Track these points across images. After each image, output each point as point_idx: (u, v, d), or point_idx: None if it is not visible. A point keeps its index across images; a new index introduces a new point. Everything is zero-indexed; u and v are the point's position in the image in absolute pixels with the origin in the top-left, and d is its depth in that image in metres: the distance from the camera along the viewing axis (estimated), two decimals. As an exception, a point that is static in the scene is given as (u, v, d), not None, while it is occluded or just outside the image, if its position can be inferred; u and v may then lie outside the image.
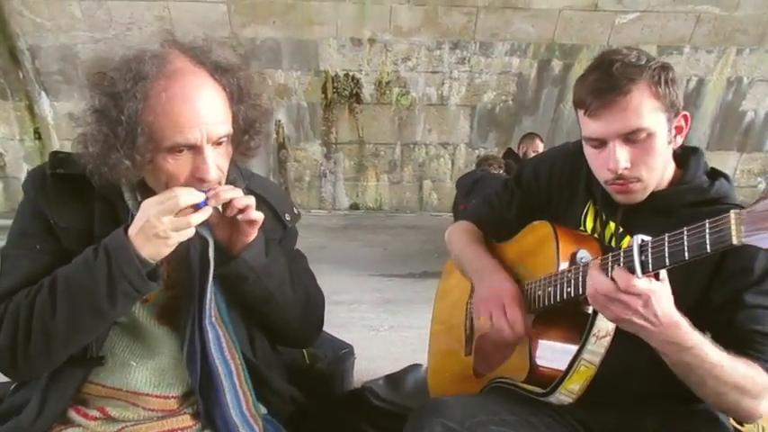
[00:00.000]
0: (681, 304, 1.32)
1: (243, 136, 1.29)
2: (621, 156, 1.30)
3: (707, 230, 1.00)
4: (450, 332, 1.87)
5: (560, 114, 7.92)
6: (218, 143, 1.21)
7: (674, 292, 1.31)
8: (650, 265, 1.07)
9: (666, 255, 1.05)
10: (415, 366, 2.51)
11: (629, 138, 1.30)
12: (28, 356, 1.18)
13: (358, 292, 4.59)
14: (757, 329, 1.26)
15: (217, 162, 1.20)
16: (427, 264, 5.46)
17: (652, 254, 1.07)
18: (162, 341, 1.35)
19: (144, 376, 1.33)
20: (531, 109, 7.86)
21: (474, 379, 1.65)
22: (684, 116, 1.37)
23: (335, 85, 7.46)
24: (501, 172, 5.68)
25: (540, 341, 1.40)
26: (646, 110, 1.28)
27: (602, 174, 1.38)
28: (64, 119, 7.31)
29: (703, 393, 1.24)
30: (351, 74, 7.43)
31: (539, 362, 1.38)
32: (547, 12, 7.03)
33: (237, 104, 1.25)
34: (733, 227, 0.95)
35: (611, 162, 1.32)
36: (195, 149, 1.17)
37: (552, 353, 1.38)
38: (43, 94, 7.18)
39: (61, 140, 7.43)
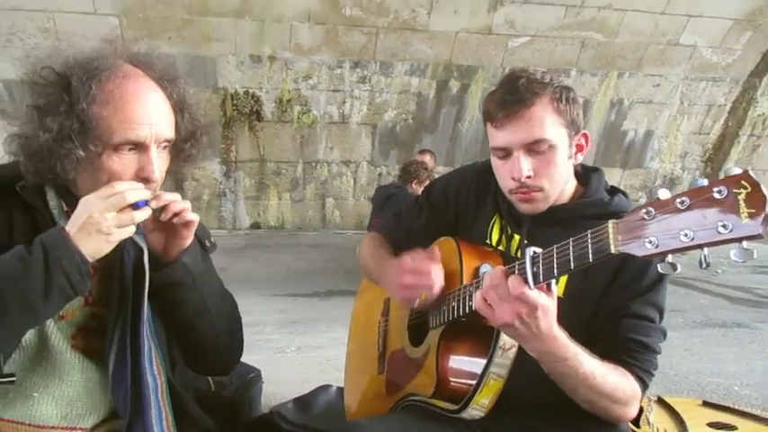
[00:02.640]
0: (579, 315, 1.39)
1: (184, 144, 1.31)
2: (525, 165, 1.36)
3: (589, 240, 1.05)
4: (365, 351, 1.85)
5: (458, 132, 8.17)
6: (162, 147, 1.22)
7: (571, 303, 1.37)
8: (541, 276, 1.11)
9: (555, 265, 1.10)
10: (324, 387, 2.47)
11: (532, 148, 1.36)
12: None
13: (262, 313, 4.47)
14: (637, 339, 1.33)
15: (159, 165, 1.21)
16: (332, 282, 5.43)
17: (543, 265, 1.11)
18: (72, 366, 1.25)
19: (50, 407, 1.23)
20: (431, 127, 8.06)
21: (386, 397, 1.64)
22: (585, 135, 1.45)
23: (235, 102, 7.32)
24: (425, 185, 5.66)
25: (447, 356, 1.41)
26: (548, 123, 1.35)
27: (506, 183, 1.43)
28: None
29: (577, 400, 1.30)
30: (251, 91, 7.33)
31: (447, 376, 1.39)
32: (444, 34, 7.26)
33: (180, 114, 1.27)
34: (611, 236, 1.00)
35: (514, 171, 1.38)
36: (142, 148, 1.18)
37: (460, 367, 1.39)
38: None
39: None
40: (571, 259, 1.07)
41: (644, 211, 0.96)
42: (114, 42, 1.26)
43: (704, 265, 0.92)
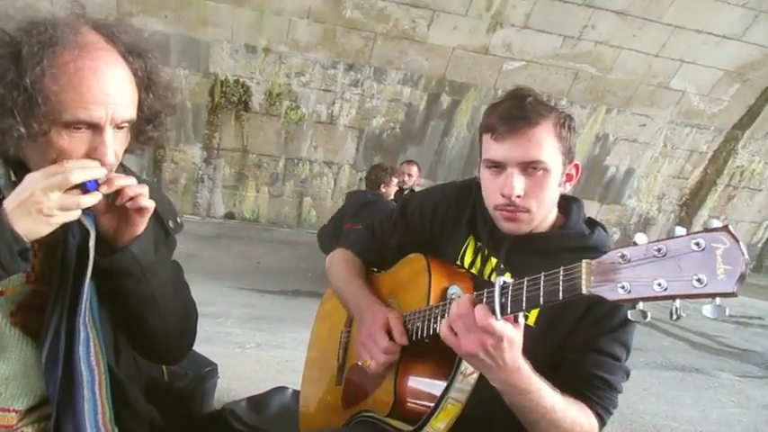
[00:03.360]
0: (547, 345, 1.37)
1: (145, 125, 1.22)
2: (518, 183, 1.35)
3: (560, 278, 1.03)
4: (324, 360, 1.82)
5: (444, 147, 8.18)
6: (119, 127, 1.12)
7: (541, 333, 1.36)
8: (509, 308, 1.10)
9: (524, 299, 1.08)
10: (280, 389, 2.43)
11: (528, 168, 1.35)
12: None
13: (226, 305, 4.41)
14: (601, 376, 1.33)
15: (115, 147, 1.11)
16: (300, 282, 5.38)
17: (512, 297, 1.10)
18: (11, 344, 1.18)
19: None
20: (418, 139, 8.06)
21: (341, 410, 1.61)
22: (576, 166, 1.45)
23: (224, 89, 7.24)
24: (393, 187, 5.73)
25: (406, 376, 1.38)
26: (548, 146, 1.34)
27: (493, 198, 1.41)
28: None
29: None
30: (241, 80, 7.25)
31: (405, 397, 1.36)
32: (441, 48, 7.27)
33: (145, 92, 1.17)
34: (583, 276, 0.98)
35: (506, 187, 1.35)
36: (96, 129, 1.08)
37: (419, 388, 1.37)
38: None
39: None
40: (541, 294, 1.05)
41: (619, 254, 0.94)
42: (81, 6, 1.16)
43: (675, 317, 0.90)
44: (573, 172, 1.44)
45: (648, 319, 0.92)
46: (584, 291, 0.98)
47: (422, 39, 7.15)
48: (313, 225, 8.23)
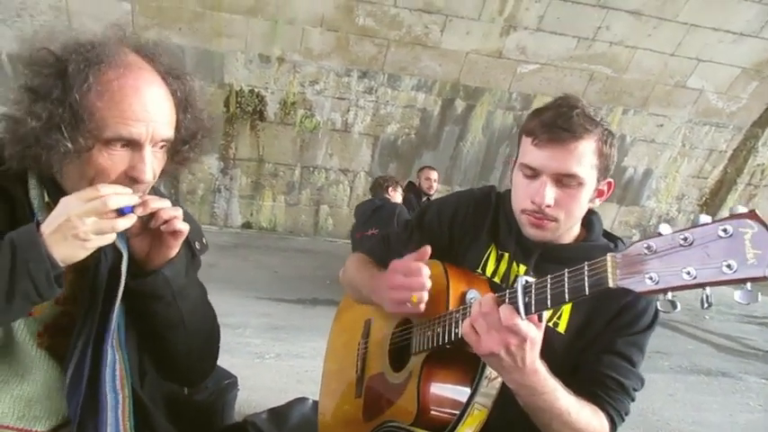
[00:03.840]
0: (574, 351, 1.36)
1: (182, 145, 1.24)
2: (549, 193, 1.35)
3: (585, 273, 1.02)
4: (342, 372, 1.81)
5: (459, 152, 8.15)
6: (159, 146, 1.15)
7: (570, 340, 1.35)
8: (533, 306, 1.09)
9: (549, 296, 1.07)
10: (301, 400, 2.42)
11: (563, 179, 1.35)
12: None
13: (245, 315, 4.42)
14: (616, 378, 1.33)
15: (153, 165, 1.13)
16: (318, 290, 5.38)
17: (536, 295, 1.09)
18: (36, 365, 1.19)
19: (6, 405, 1.16)
20: (433, 144, 8.04)
21: (363, 422, 1.60)
22: (609, 183, 1.44)
23: (239, 99, 7.28)
24: (399, 194, 5.75)
25: (429, 383, 1.37)
26: (586, 161, 1.34)
27: (523, 203, 1.41)
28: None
29: None
30: (256, 90, 7.29)
31: (428, 405, 1.34)
32: (455, 53, 7.25)
33: (183, 113, 1.20)
34: (609, 270, 0.97)
35: (538, 195, 1.35)
36: (135, 146, 1.11)
37: (442, 395, 1.36)
38: None
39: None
40: (566, 291, 1.04)
41: (645, 245, 0.93)
42: (121, 29, 1.19)
43: (705, 305, 0.89)
44: (605, 188, 1.44)
45: (678, 308, 0.91)
46: (610, 284, 0.97)
47: (435, 44, 7.14)
48: (330, 233, 8.25)
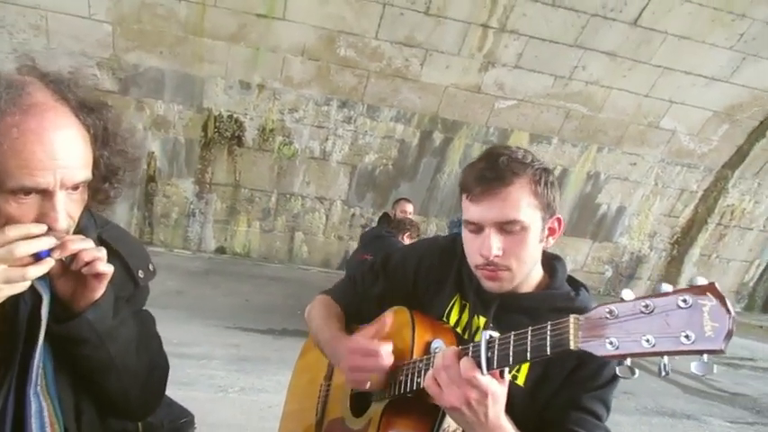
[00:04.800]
0: (535, 406, 1.36)
1: (102, 183, 1.15)
2: (495, 243, 1.34)
3: (548, 333, 1.03)
4: (302, 414, 1.78)
5: (436, 184, 8.21)
6: (73, 189, 1.06)
7: (530, 393, 1.34)
8: (495, 363, 1.09)
9: (511, 353, 1.07)
10: (260, 440, 2.39)
11: (504, 227, 1.34)
12: None
13: (211, 345, 4.35)
14: None
15: (68, 209, 1.05)
16: (288, 320, 5.33)
17: (498, 351, 1.09)
18: None
19: None
20: (410, 175, 8.09)
21: None
22: (558, 219, 1.44)
23: (218, 124, 7.28)
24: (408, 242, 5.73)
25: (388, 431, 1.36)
26: (523, 204, 1.33)
27: (474, 258, 1.40)
28: None
29: None
30: (235, 116, 7.30)
31: None
32: (434, 86, 7.35)
33: (101, 149, 1.10)
34: (571, 331, 0.98)
35: (484, 248, 1.35)
36: (45, 194, 1.02)
37: None
38: None
39: None
40: (528, 349, 1.05)
41: (607, 310, 0.95)
42: (30, 59, 1.10)
43: (663, 374, 0.90)
44: (555, 226, 1.43)
45: (636, 375, 0.92)
46: (572, 346, 0.98)
47: (415, 77, 7.23)
48: (304, 260, 8.21)
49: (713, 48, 7.09)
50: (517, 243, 1.35)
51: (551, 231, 1.43)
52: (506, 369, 1.11)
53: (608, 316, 0.94)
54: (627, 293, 0.94)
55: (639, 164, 8.50)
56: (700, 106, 7.88)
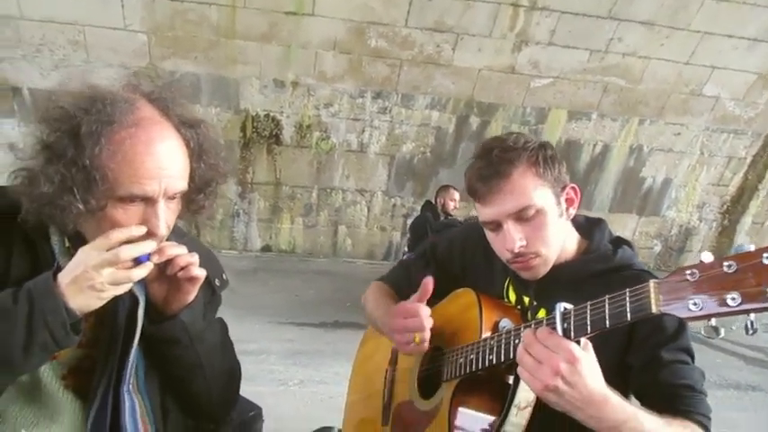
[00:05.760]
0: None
1: (197, 194, 1.24)
2: (516, 234, 1.35)
3: (627, 299, 1.02)
4: (368, 401, 1.81)
5: (475, 169, 8.13)
6: (171, 198, 1.15)
7: None
8: (572, 332, 1.08)
9: (588, 322, 1.06)
10: (327, 429, 2.41)
11: (521, 216, 1.35)
12: None
13: (267, 341, 4.44)
14: (682, 383, 1.28)
15: (167, 217, 1.14)
16: (339, 313, 5.39)
17: (574, 321, 1.08)
18: (63, 406, 1.21)
19: None
20: (449, 162, 8.05)
21: None
22: (573, 188, 1.43)
23: (255, 124, 7.36)
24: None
25: (459, 410, 1.37)
26: (530, 188, 1.34)
27: (503, 254, 1.42)
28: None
29: None
30: (272, 115, 7.36)
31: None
32: (467, 70, 7.28)
33: (196, 162, 1.20)
34: (652, 296, 0.98)
35: (507, 242, 1.36)
36: (149, 202, 1.11)
37: (472, 423, 1.36)
38: (-66, 110, 6.67)
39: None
40: (606, 317, 1.04)
41: (688, 272, 0.94)
42: (137, 78, 1.20)
43: (750, 331, 0.91)
44: (572, 195, 1.43)
45: (722, 335, 0.93)
46: (653, 309, 0.97)
47: (447, 62, 7.17)
48: (349, 254, 8.27)
49: (754, 7, 6.84)
50: (538, 227, 1.36)
51: (569, 202, 1.43)
52: (583, 340, 1.10)
53: (689, 278, 0.94)
54: (706, 255, 0.93)
55: (684, 134, 8.28)
56: (743, 70, 7.61)
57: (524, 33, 7.00)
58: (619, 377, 1.30)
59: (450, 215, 6.49)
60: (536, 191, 1.34)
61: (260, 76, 7.06)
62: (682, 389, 1.28)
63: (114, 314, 1.20)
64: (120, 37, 6.44)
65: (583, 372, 1.06)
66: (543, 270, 1.41)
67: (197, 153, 1.19)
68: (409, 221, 7.43)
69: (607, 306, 1.05)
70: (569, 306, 1.10)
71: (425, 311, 1.40)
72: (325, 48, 6.91)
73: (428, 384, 1.54)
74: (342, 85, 7.26)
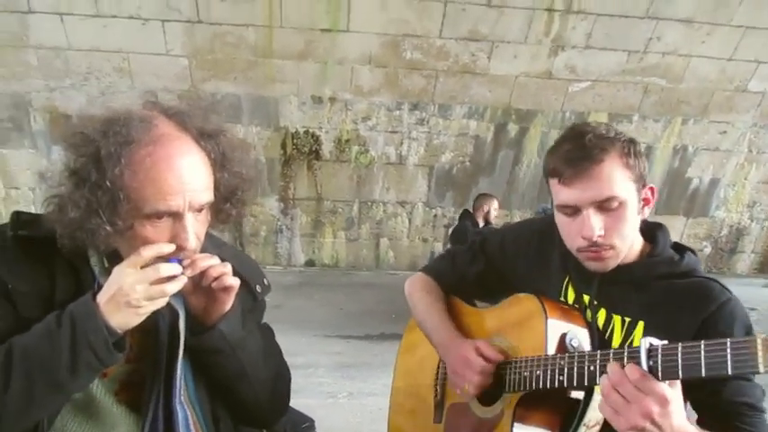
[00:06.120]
0: None
1: (224, 204, 1.24)
2: (596, 223, 1.31)
3: (728, 350, 0.97)
4: (418, 392, 1.77)
5: (515, 176, 8.09)
6: (198, 210, 1.16)
7: None
8: (660, 373, 1.04)
9: (680, 366, 1.02)
10: (377, 440, 2.42)
11: (603, 205, 1.32)
12: None
13: (314, 354, 4.48)
14: (743, 401, 1.24)
15: (196, 230, 1.15)
16: (384, 325, 5.40)
17: (662, 361, 1.04)
18: (119, 421, 1.24)
19: None
20: (488, 170, 8.02)
21: None
22: (651, 188, 1.40)
23: (295, 141, 7.47)
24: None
25: (520, 425, 1.35)
26: (618, 179, 1.31)
27: (574, 242, 1.38)
28: (12, 166, 7.08)
29: None
30: (311, 131, 7.46)
31: None
32: (504, 77, 7.26)
33: (220, 171, 1.20)
34: (760, 353, 0.93)
35: (585, 229, 1.32)
36: (176, 216, 1.12)
37: None
38: (-9, 141, 6.98)
39: (7, 188, 7.19)
40: (702, 365, 0.99)
41: None
42: (153, 95, 1.22)
43: None
44: (649, 195, 1.39)
45: None
46: (761, 370, 0.92)
47: (483, 71, 7.17)
48: (391, 266, 8.29)
49: (799, -1, 6.67)
50: (617, 219, 1.32)
51: (646, 201, 1.39)
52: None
53: None
54: None
55: (729, 132, 8.07)
56: (790, 63, 7.41)
57: (560, 38, 6.96)
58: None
59: (490, 223, 6.46)
60: (623, 183, 1.31)
61: (298, 93, 7.17)
62: (743, 407, 1.24)
63: (157, 329, 1.23)
64: (162, 62, 6.65)
65: (672, 413, 1.04)
66: (613, 264, 1.37)
67: (219, 163, 1.20)
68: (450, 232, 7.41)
69: (703, 352, 0.99)
70: (656, 342, 1.06)
71: (485, 370, 1.41)
72: (361, 62, 6.99)
73: (487, 390, 1.53)
74: (379, 98, 7.32)
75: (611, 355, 1.13)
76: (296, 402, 1.85)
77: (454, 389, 1.50)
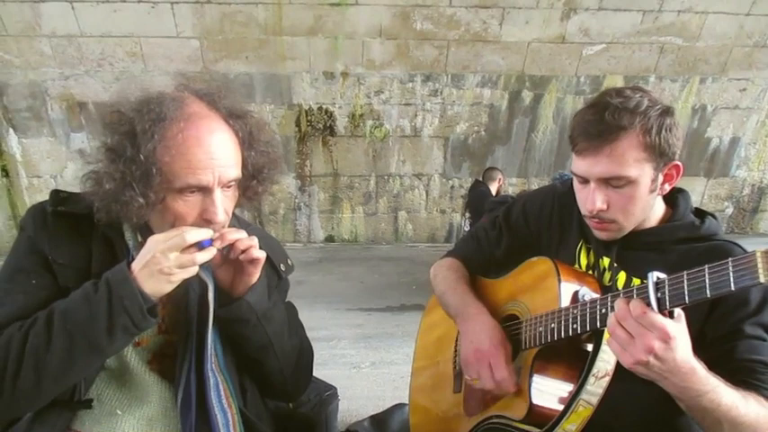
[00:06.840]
0: None
1: (251, 181, 1.32)
2: (598, 198, 1.34)
3: (730, 268, 0.98)
4: (437, 368, 1.83)
5: (532, 144, 8.03)
6: (227, 186, 1.23)
7: None
8: (667, 302, 1.05)
9: (686, 292, 1.03)
10: (400, 406, 2.48)
11: (610, 182, 1.33)
12: (15, 392, 1.12)
13: (337, 327, 4.54)
14: (759, 359, 1.25)
15: (224, 205, 1.22)
16: (405, 296, 5.44)
17: (669, 291, 1.05)
18: (152, 388, 1.31)
19: (131, 425, 1.29)
20: (504, 139, 7.97)
21: (465, 417, 1.62)
22: (676, 166, 1.37)
23: (309, 118, 7.47)
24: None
25: (538, 378, 1.38)
26: (630, 159, 1.30)
27: (582, 209, 1.43)
28: (32, 155, 7.18)
29: None
30: (324, 107, 7.46)
31: (536, 400, 1.35)
32: (516, 44, 7.17)
33: (248, 150, 1.27)
34: (760, 265, 0.93)
35: (588, 202, 1.36)
36: (205, 191, 1.19)
37: (550, 391, 1.36)
38: (11, 131, 7.06)
39: (30, 177, 7.30)
40: (707, 286, 1.00)
41: None
42: (185, 77, 1.29)
43: None
44: (673, 172, 1.37)
45: None
46: (762, 280, 0.93)
47: (495, 38, 7.08)
48: (410, 238, 8.31)
49: (819, -52, 6.47)
50: (623, 197, 1.33)
51: (668, 178, 1.38)
52: (676, 311, 1.07)
53: None
54: None
55: (749, 89, 7.91)
56: (811, 14, 7.21)
57: (572, 1, 6.84)
58: (694, 345, 1.30)
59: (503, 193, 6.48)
60: (635, 163, 1.29)
61: (310, 69, 7.16)
62: (757, 365, 1.25)
63: (187, 300, 1.30)
64: (173, 44, 6.66)
65: (675, 348, 1.05)
66: (618, 235, 1.40)
67: (247, 142, 1.27)
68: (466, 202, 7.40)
69: (707, 275, 1.00)
70: (663, 275, 1.07)
71: (504, 374, 1.42)
72: (372, 35, 6.95)
73: None
74: (391, 71, 7.29)
75: (621, 294, 1.14)
76: (320, 373, 1.91)
77: (465, 373, 1.53)
